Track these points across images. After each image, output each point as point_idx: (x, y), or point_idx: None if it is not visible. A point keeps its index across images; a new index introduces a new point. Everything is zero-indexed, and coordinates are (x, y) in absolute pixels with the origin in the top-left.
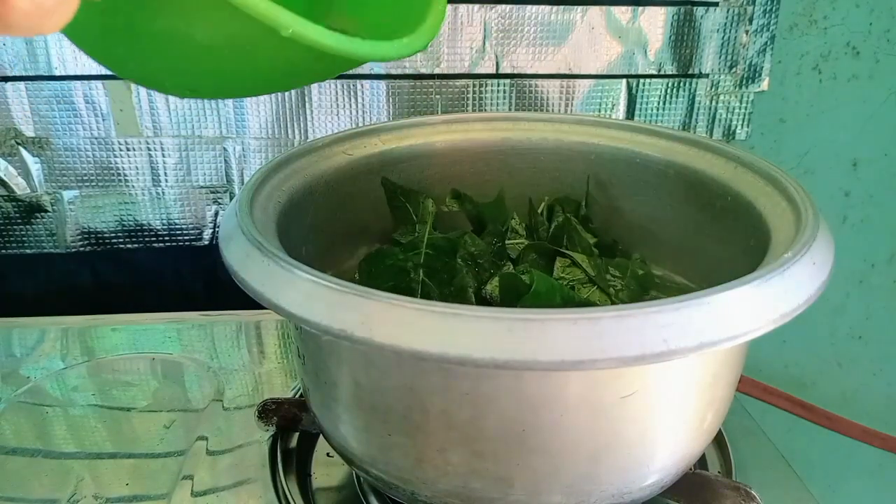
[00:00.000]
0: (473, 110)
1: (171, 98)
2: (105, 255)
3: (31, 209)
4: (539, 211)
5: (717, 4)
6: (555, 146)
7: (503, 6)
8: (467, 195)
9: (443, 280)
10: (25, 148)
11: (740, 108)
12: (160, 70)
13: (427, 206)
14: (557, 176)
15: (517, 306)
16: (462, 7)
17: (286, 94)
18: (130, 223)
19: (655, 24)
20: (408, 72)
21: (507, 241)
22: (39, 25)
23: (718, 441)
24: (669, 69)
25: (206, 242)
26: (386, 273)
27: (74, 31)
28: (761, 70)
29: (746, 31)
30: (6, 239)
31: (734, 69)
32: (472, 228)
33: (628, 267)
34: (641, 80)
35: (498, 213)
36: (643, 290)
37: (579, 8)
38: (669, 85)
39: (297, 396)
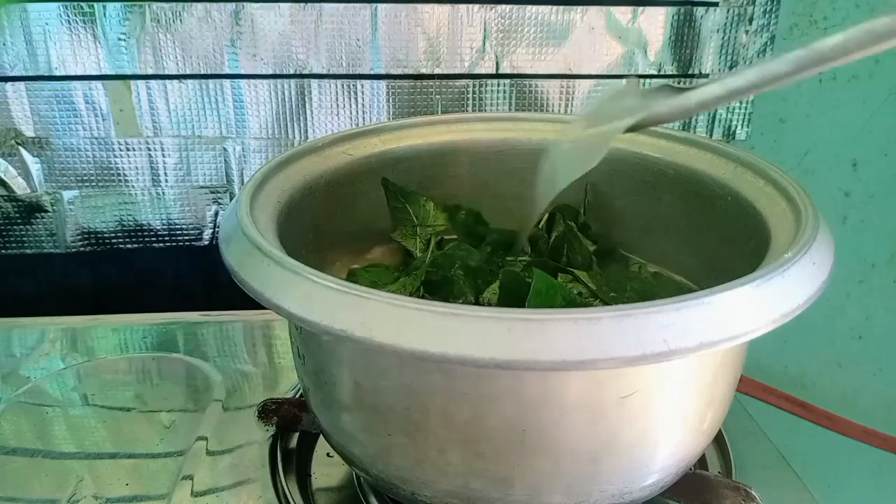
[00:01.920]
0: (473, 110)
1: (171, 98)
2: (105, 255)
3: (31, 209)
4: (539, 225)
5: (717, 4)
6: None
7: (503, 6)
8: (459, 206)
9: (442, 294)
10: (25, 148)
11: (740, 108)
12: None
13: (428, 208)
14: None
15: (524, 307)
16: (462, 7)
17: (286, 94)
18: (130, 223)
19: (655, 24)
20: (408, 72)
21: (507, 258)
22: None
23: (718, 441)
24: (669, 69)
25: (206, 242)
26: None
27: None
28: None
29: (746, 32)
30: (6, 239)
31: (734, 69)
32: (463, 238)
33: (627, 285)
34: (641, 81)
35: (510, 240)
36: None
37: (579, 8)
38: None
39: (297, 396)
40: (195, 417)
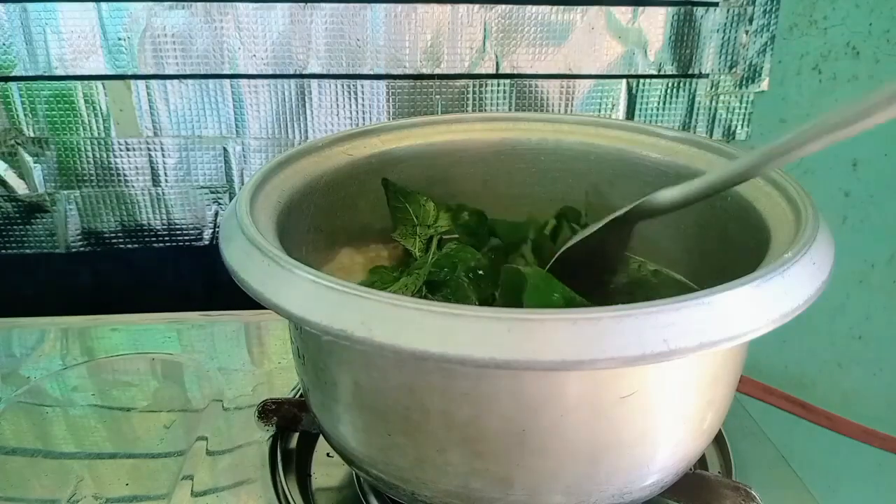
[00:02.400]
0: (473, 110)
1: (171, 98)
2: (105, 255)
3: (31, 209)
4: (546, 231)
5: (717, 4)
6: (555, 146)
7: (503, 6)
8: (463, 207)
9: (445, 295)
10: (25, 148)
11: (740, 109)
12: None
13: (428, 208)
14: (558, 177)
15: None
16: (462, 7)
17: (286, 94)
18: (130, 223)
19: (655, 24)
20: (408, 72)
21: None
22: None
23: (718, 441)
24: (669, 69)
25: (206, 242)
26: None
27: None
28: (761, 70)
29: (746, 32)
30: (6, 239)
31: (734, 69)
32: (465, 239)
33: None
34: (641, 81)
35: (517, 234)
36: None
37: (579, 8)
38: (669, 85)
39: (297, 396)
40: (195, 417)
